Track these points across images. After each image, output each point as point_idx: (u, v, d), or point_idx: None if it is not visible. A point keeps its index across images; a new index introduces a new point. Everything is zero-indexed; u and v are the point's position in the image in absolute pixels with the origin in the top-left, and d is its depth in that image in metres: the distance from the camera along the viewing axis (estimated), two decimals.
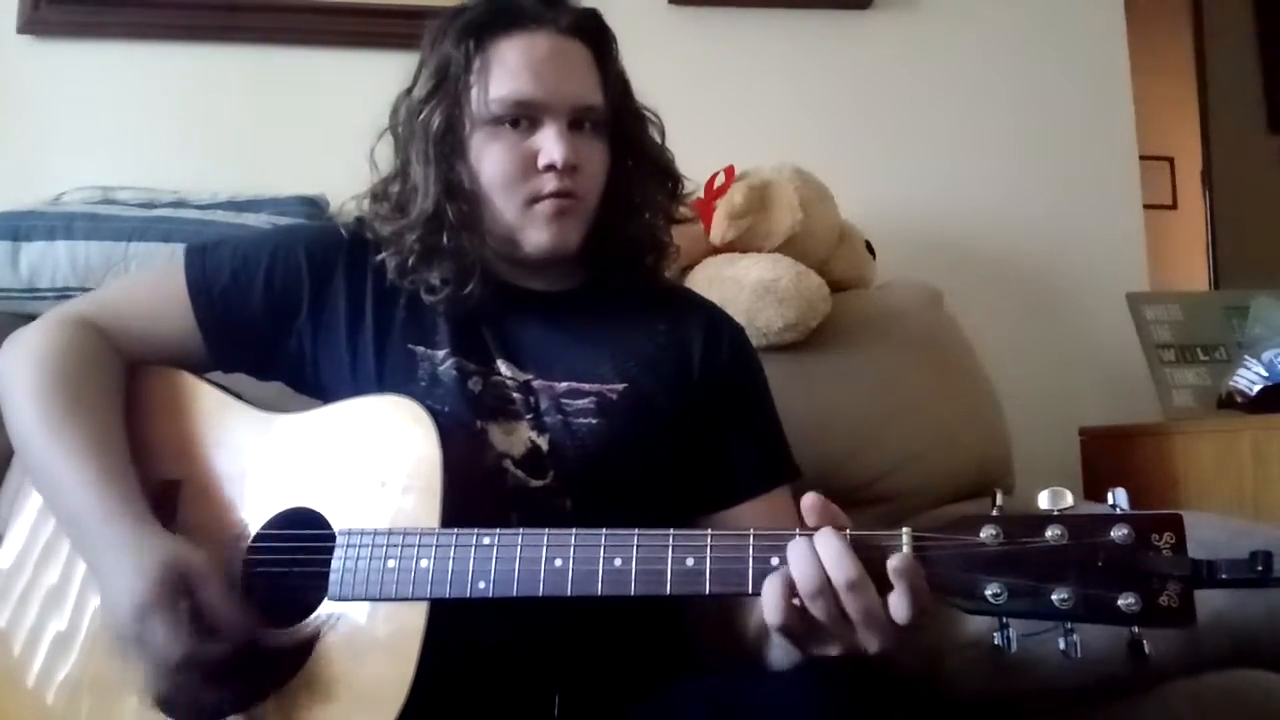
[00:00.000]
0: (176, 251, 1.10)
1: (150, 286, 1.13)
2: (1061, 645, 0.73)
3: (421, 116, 1.04)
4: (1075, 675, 1.01)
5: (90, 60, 1.83)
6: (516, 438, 1.02)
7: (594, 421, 1.03)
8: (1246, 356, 1.74)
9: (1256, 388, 1.70)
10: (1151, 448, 1.73)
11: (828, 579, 0.76)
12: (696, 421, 1.08)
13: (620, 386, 1.05)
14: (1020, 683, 1.08)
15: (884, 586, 0.76)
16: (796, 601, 0.78)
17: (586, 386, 1.04)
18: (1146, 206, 2.11)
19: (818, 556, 0.77)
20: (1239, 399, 1.72)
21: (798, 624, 0.78)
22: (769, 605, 0.78)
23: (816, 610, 0.77)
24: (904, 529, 0.77)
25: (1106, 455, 1.85)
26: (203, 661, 0.84)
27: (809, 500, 0.81)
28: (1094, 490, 1.82)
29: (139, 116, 1.83)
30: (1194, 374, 1.82)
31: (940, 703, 1.17)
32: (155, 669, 0.85)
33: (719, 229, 1.63)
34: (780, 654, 0.88)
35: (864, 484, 1.54)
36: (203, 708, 0.86)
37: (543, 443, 1.02)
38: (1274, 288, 1.87)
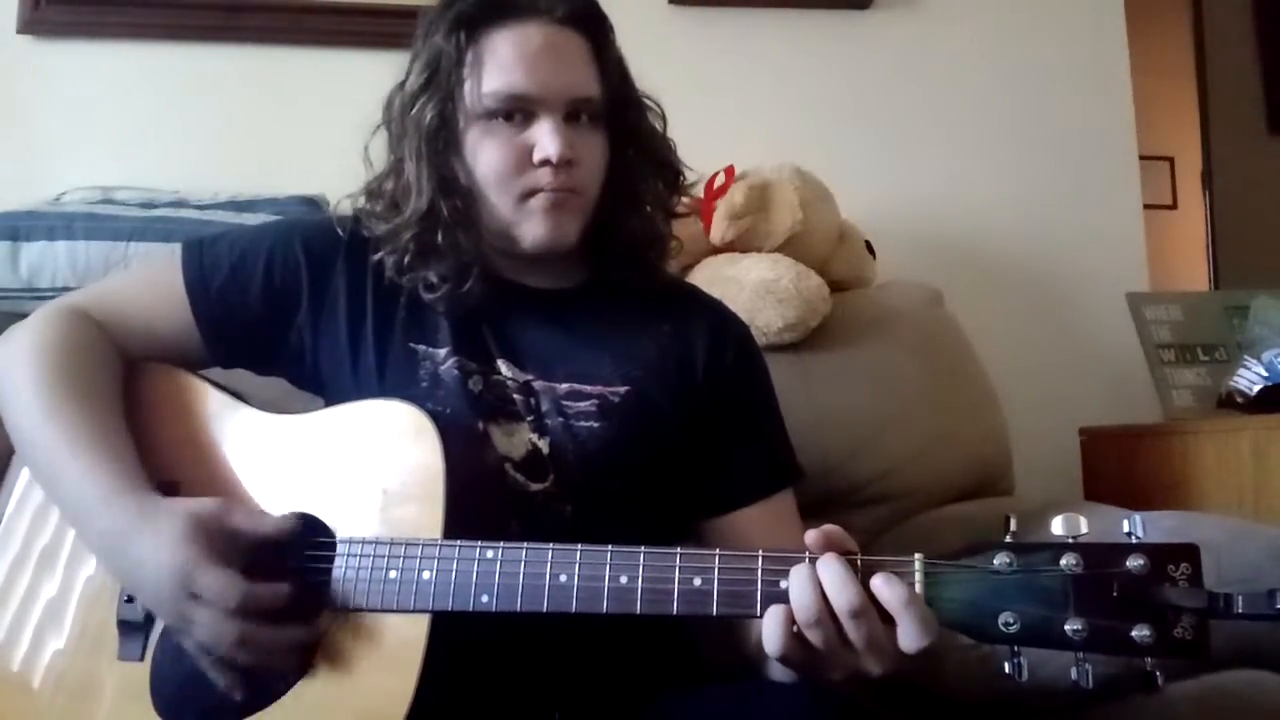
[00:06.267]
0: (176, 252, 1.09)
1: (147, 282, 1.11)
2: (1074, 675, 0.72)
3: (414, 111, 1.02)
4: None
5: (90, 60, 1.82)
6: (517, 439, 1.01)
7: (595, 424, 1.02)
8: (1246, 356, 1.74)
9: (1256, 388, 1.70)
10: (1151, 448, 1.73)
11: (827, 607, 0.75)
12: (699, 425, 1.07)
13: (622, 389, 1.03)
14: (1020, 684, 1.08)
15: (888, 614, 0.75)
16: (796, 629, 0.77)
17: (588, 388, 1.03)
18: (1146, 206, 2.11)
19: (819, 583, 0.76)
20: (1239, 399, 1.72)
21: (796, 653, 0.77)
22: (769, 636, 0.77)
23: (814, 638, 0.76)
24: (916, 556, 0.76)
25: (1106, 455, 1.85)
26: (263, 595, 0.84)
27: (811, 537, 0.79)
28: (1094, 490, 1.83)
29: (139, 116, 1.83)
30: (1194, 374, 1.82)
31: (941, 704, 1.17)
32: (218, 622, 0.84)
33: (719, 229, 1.63)
34: (780, 669, 0.87)
35: (864, 484, 1.54)
36: (275, 648, 0.85)
37: (543, 445, 1.01)
38: (1274, 288, 1.87)
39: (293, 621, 0.86)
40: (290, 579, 0.87)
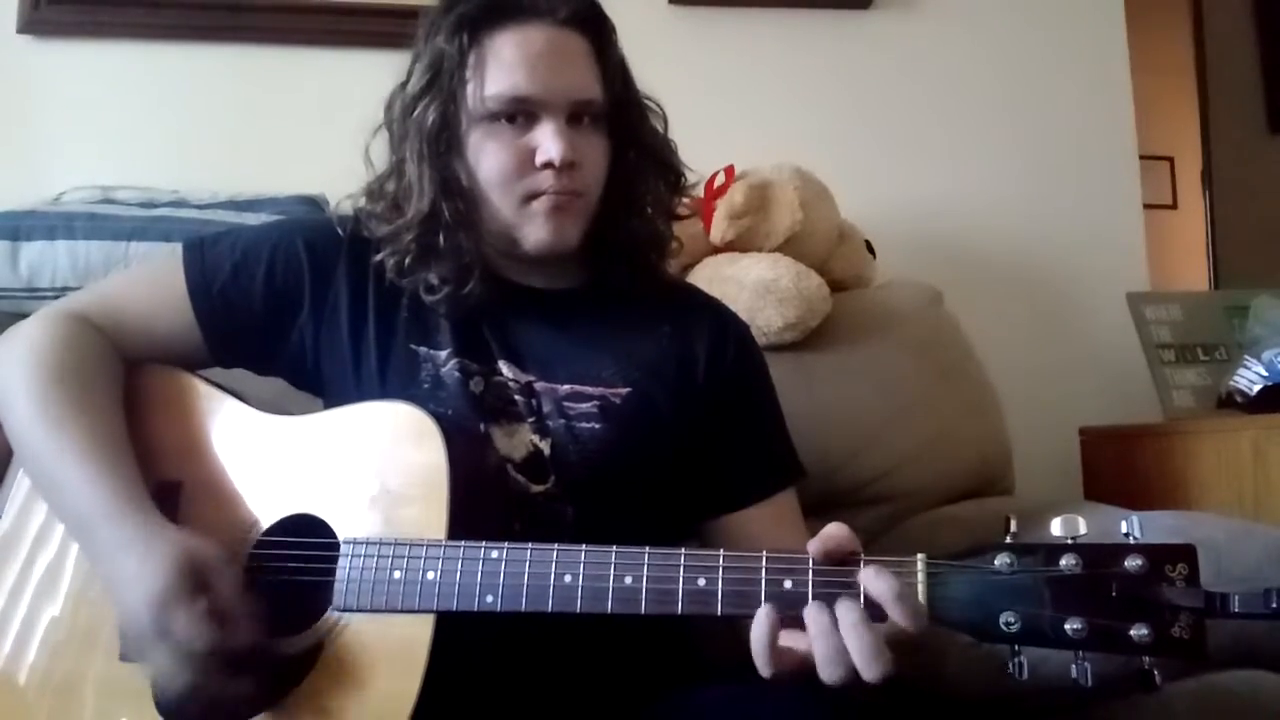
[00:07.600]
0: (177, 252, 1.09)
1: (148, 283, 1.10)
2: (1074, 673, 0.73)
3: (415, 113, 1.02)
4: None
5: (90, 60, 1.83)
6: (518, 440, 1.01)
7: (596, 426, 1.02)
8: (1246, 356, 1.74)
9: (1256, 387, 1.70)
10: (1151, 448, 1.73)
11: (844, 649, 0.75)
12: (701, 426, 1.07)
13: (624, 390, 1.03)
14: (1021, 683, 1.08)
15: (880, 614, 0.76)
16: (782, 644, 0.78)
17: (590, 389, 1.03)
18: (1146, 206, 2.11)
19: (837, 629, 0.76)
20: (1239, 399, 1.72)
21: (789, 672, 0.78)
22: (760, 658, 0.78)
23: (827, 676, 0.76)
24: (919, 556, 0.77)
25: (1106, 455, 1.85)
26: (226, 651, 0.83)
27: (815, 547, 0.79)
28: (1094, 490, 1.83)
29: (139, 116, 1.83)
30: (1194, 374, 1.82)
31: (942, 703, 1.17)
32: (177, 662, 0.83)
33: (719, 228, 1.63)
34: None
35: (864, 484, 1.55)
36: (225, 701, 0.85)
37: (545, 446, 1.01)
38: (1274, 288, 1.87)
39: (250, 678, 0.85)
40: (262, 640, 0.86)
